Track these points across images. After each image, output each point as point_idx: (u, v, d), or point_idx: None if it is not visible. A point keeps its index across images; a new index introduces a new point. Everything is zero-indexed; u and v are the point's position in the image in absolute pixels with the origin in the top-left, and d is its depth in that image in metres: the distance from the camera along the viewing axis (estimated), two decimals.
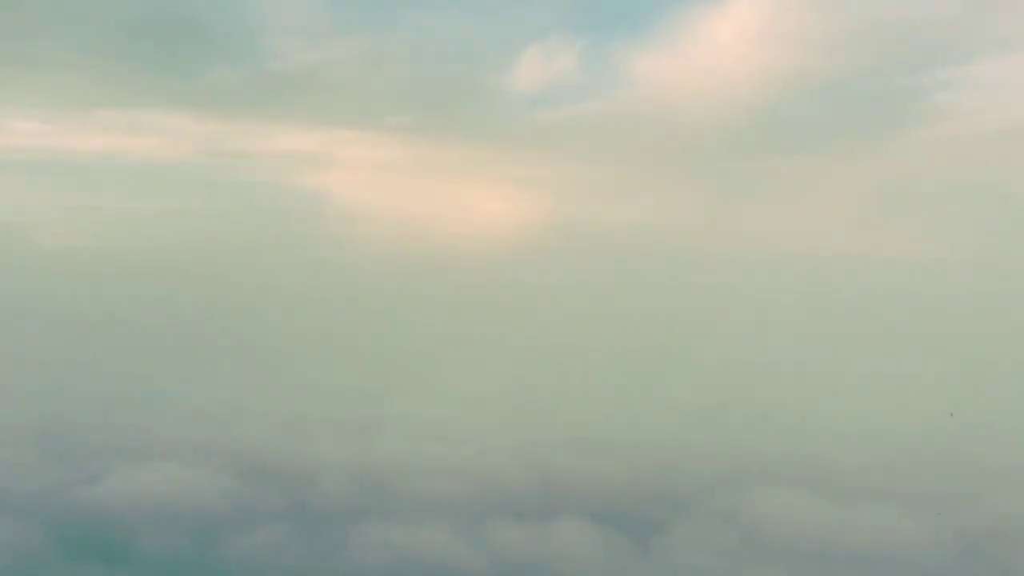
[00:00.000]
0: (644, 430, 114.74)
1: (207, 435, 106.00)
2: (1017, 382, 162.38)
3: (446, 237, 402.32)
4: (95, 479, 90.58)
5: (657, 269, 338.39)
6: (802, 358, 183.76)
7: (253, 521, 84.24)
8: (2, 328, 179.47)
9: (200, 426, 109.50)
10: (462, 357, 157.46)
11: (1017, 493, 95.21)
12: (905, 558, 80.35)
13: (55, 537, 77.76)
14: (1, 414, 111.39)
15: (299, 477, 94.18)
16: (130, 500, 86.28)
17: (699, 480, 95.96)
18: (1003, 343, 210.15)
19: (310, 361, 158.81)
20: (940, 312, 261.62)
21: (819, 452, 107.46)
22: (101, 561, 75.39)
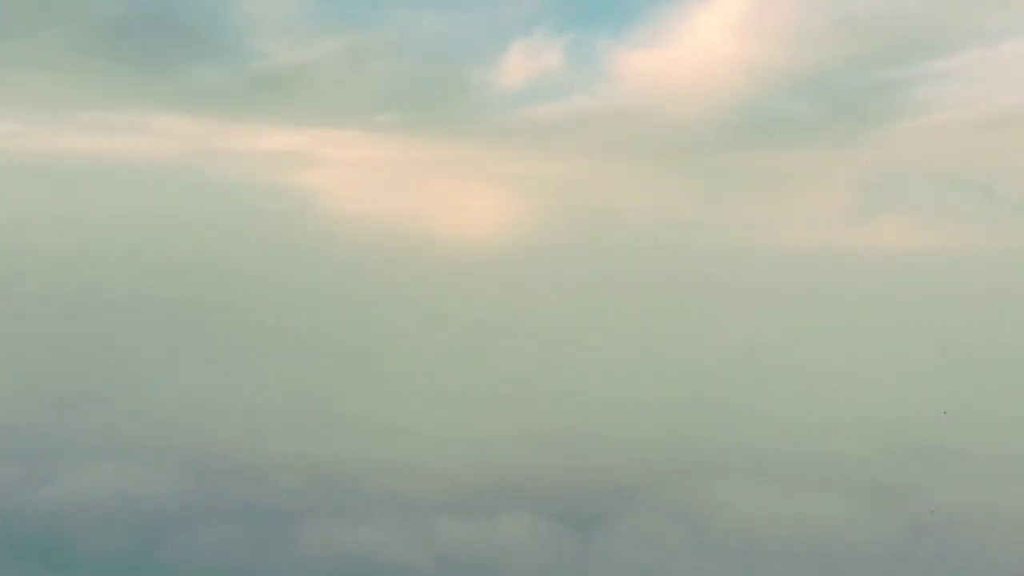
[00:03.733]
0: (605, 425, 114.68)
1: (165, 435, 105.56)
2: (989, 371, 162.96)
3: (432, 234, 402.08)
4: (46, 480, 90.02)
5: (641, 263, 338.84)
6: (776, 350, 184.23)
7: (203, 520, 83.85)
8: None
9: (159, 426, 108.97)
10: (432, 354, 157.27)
11: (970, 480, 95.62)
12: (852, 547, 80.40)
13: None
14: None
15: (254, 475, 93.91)
16: (79, 501, 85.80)
17: (655, 473, 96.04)
18: (982, 333, 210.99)
19: (281, 360, 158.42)
20: (923, 302, 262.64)
21: (779, 443, 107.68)
22: (41, 563, 74.91)
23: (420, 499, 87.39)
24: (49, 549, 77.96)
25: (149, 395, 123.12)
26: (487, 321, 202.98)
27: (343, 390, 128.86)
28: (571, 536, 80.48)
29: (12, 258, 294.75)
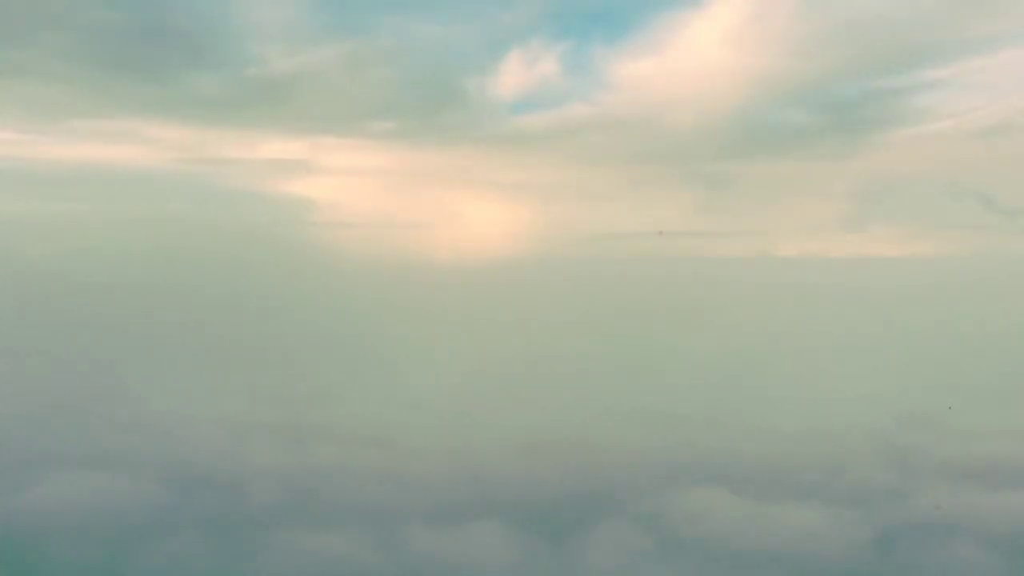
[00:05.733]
0: (584, 433, 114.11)
1: (143, 444, 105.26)
2: (982, 377, 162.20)
3: (430, 243, 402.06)
4: (17, 489, 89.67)
5: (635, 271, 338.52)
6: (765, 358, 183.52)
7: (173, 530, 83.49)
8: None
9: (136, 435, 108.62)
10: (417, 362, 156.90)
11: (945, 487, 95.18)
12: (825, 556, 79.93)
13: None
14: None
15: (228, 484, 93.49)
16: (50, 511, 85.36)
17: (631, 481, 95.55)
18: (977, 339, 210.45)
19: (266, 368, 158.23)
20: (919, 310, 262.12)
21: (757, 452, 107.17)
22: (9, 573, 74.56)
23: (393, 508, 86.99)
24: (18, 559, 77.62)
25: (130, 404, 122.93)
26: (476, 329, 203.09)
27: (324, 398, 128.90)
28: (542, 545, 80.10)
29: (4, 265, 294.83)
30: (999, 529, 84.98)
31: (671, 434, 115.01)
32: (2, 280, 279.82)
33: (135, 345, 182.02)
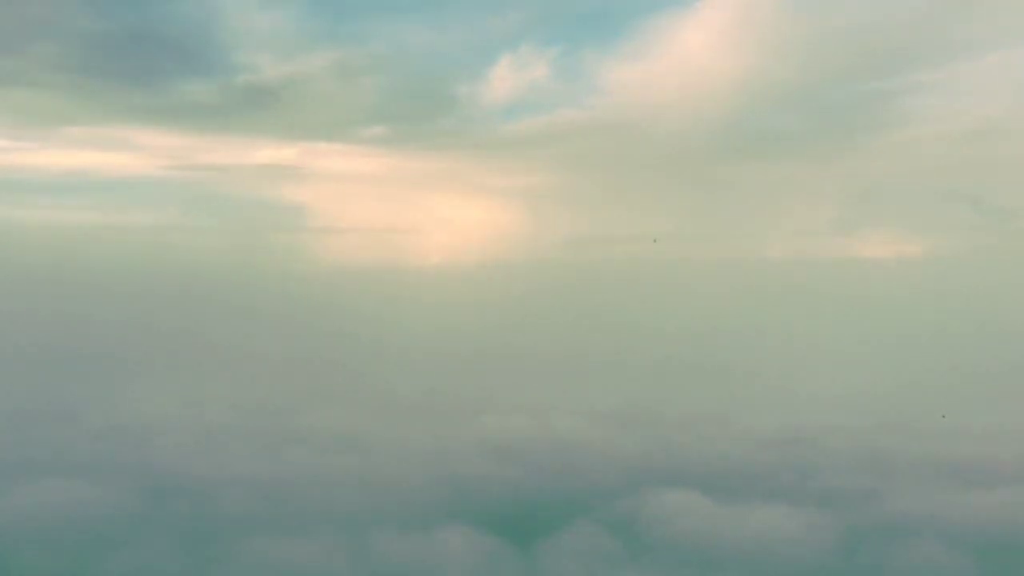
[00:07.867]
0: (561, 435, 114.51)
1: (116, 450, 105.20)
2: (970, 379, 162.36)
3: (420, 247, 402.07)
4: None
5: (627, 275, 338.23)
6: (750, 361, 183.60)
7: (143, 537, 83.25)
8: None
9: (111, 441, 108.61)
10: (399, 366, 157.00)
11: (917, 489, 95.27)
12: (795, 559, 79.93)
13: None
14: None
15: (199, 491, 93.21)
16: (22, 518, 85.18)
17: (603, 484, 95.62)
18: (963, 341, 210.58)
19: (249, 373, 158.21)
20: (908, 311, 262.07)
21: (733, 454, 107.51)
22: None
23: (364, 513, 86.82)
24: None
25: (106, 410, 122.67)
26: (461, 332, 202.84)
27: (304, 404, 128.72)
28: (513, 549, 79.95)
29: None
30: (970, 529, 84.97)
31: (645, 436, 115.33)
32: None
33: (120, 351, 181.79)
